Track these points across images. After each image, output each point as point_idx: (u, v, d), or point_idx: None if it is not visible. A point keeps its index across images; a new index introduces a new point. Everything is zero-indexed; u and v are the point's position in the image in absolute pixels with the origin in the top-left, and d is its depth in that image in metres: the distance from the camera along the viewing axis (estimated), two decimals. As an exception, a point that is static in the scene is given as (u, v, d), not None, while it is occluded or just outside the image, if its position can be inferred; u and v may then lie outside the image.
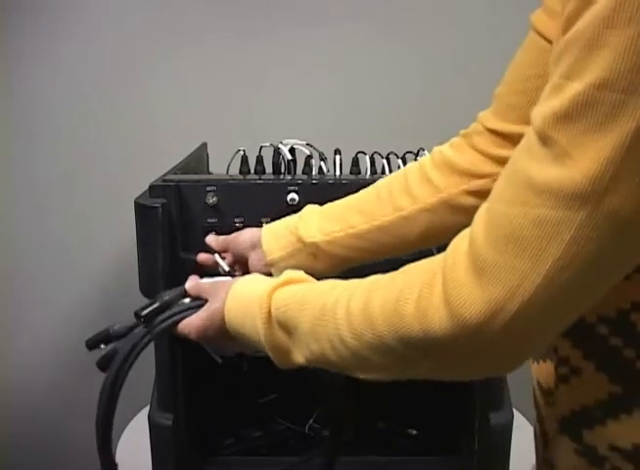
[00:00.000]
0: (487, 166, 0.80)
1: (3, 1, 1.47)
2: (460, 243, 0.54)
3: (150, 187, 1.01)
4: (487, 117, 0.81)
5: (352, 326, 0.58)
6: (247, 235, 0.89)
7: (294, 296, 0.66)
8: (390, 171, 1.16)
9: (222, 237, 0.92)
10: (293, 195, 1.00)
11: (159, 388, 1.08)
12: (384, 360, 0.59)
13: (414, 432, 1.22)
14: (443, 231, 0.82)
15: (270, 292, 0.67)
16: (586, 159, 0.45)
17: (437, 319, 0.51)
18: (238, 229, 1.00)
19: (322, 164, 1.14)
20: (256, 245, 0.87)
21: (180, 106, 1.56)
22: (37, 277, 1.63)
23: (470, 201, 0.80)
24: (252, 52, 1.54)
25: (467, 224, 0.83)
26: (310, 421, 1.23)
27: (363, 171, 1.17)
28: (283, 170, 1.15)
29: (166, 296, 0.77)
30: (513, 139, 0.77)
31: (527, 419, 1.40)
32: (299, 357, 0.65)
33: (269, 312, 0.66)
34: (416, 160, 1.19)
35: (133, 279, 1.02)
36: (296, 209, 0.99)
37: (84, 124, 1.56)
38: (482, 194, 0.77)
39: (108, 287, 1.64)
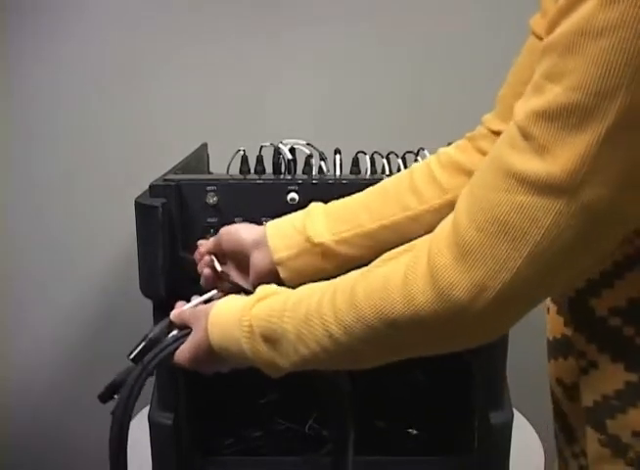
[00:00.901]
0: None
1: (3, 1, 1.47)
2: (443, 227, 0.57)
3: (150, 187, 1.01)
4: (491, 120, 0.84)
5: (341, 322, 0.61)
6: (246, 232, 0.88)
7: (273, 307, 0.68)
8: (391, 171, 1.16)
9: (212, 238, 0.91)
10: (293, 195, 1.00)
11: (159, 387, 1.09)
12: (377, 350, 0.62)
13: (414, 432, 1.22)
14: None
15: (248, 308, 0.69)
16: (563, 155, 0.49)
17: (424, 300, 0.55)
18: (238, 229, 1.01)
19: (322, 163, 1.14)
20: (260, 243, 0.86)
21: (180, 106, 1.56)
22: (37, 277, 1.63)
23: None
24: (253, 52, 1.54)
25: None
26: (310, 421, 1.23)
27: (363, 171, 1.17)
28: (283, 170, 1.15)
29: (152, 333, 0.80)
30: None
31: (527, 419, 1.40)
32: (287, 364, 0.67)
33: (251, 329, 0.68)
34: (416, 160, 1.19)
35: (133, 279, 1.02)
36: (295, 208, 0.99)
37: (84, 124, 1.56)
38: None
39: (108, 287, 1.64)
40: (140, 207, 0.99)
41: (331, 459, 0.94)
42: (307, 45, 1.55)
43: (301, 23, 1.54)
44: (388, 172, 1.16)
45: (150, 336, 0.80)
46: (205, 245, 0.91)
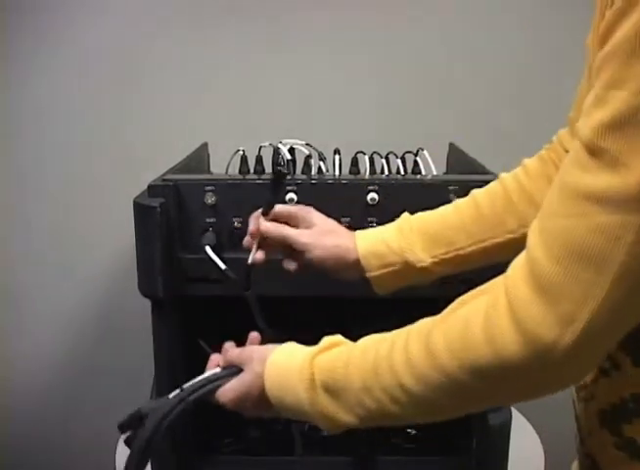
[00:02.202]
0: None
1: (3, 1, 1.47)
2: (517, 264, 0.54)
3: (148, 187, 1.01)
4: (566, 139, 0.82)
5: (415, 371, 0.58)
6: (332, 242, 0.85)
7: (337, 358, 0.66)
8: (390, 171, 1.16)
9: (283, 232, 0.86)
10: (291, 195, 1.00)
11: (158, 387, 1.09)
12: (452, 399, 0.59)
13: (413, 432, 1.22)
14: None
15: (311, 358, 0.67)
16: (638, 164, 0.47)
17: (509, 340, 0.52)
18: (237, 229, 1.01)
19: (321, 163, 1.14)
20: (351, 263, 0.84)
21: (180, 106, 1.56)
22: (36, 277, 1.63)
23: None
24: (252, 52, 1.54)
25: None
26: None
27: (362, 171, 1.17)
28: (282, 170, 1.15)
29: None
30: None
31: (528, 419, 1.40)
32: (349, 418, 0.64)
33: (312, 379, 0.65)
34: (416, 160, 1.19)
35: (132, 279, 1.02)
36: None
37: (84, 124, 1.56)
38: None
39: (107, 287, 1.65)
40: (138, 207, 0.99)
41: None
42: (307, 45, 1.55)
43: (301, 24, 1.54)
44: (387, 172, 1.15)
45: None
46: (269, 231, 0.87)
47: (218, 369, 0.78)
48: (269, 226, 0.86)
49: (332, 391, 0.64)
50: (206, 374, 0.77)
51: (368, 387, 0.61)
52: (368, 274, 0.85)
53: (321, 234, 0.86)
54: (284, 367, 0.69)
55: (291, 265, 0.88)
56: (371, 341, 0.65)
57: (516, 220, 0.82)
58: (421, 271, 0.83)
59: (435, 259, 0.83)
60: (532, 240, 0.54)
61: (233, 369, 0.76)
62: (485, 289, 0.58)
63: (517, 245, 0.81)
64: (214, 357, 0.81)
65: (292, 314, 1.12)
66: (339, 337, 0.70)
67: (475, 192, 0.88)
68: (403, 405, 0.60)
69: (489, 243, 0.83)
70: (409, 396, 0.59)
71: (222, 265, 0.94)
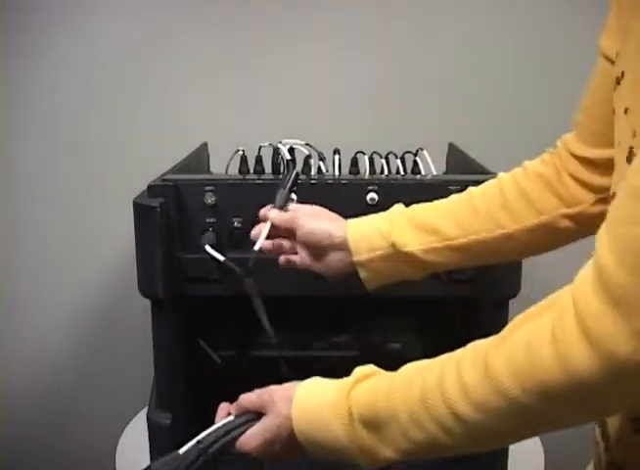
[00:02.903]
0: (583, 193, 0.80)
1: (3, 1, 1.48)
2: (585, 275, 0.51)
3: (148, 187, 1.01)
4: (574, 144, 0.81)
5: (472, 398, 0.55)
6: (325, 229, 0.86)
7: (376, 390, 0.62)
8: (390, 171, 1.16)
9: (284, 219, 0.89)
10: (292, 195, 1.00)
11: (157, 387, 1.09)
12: (515, 426, 0.55)
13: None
14: (537, 249, 0.85)
15: (346, 391, 0.63)
16: None
17: (581, 358, 0.48)
18: (236, 229, 1.01)
19: (321, 163, 1.14)
20: (338, 243, 0.85)
21: (180, 106, 1.56)
22: (36, 277, 1.63)
23: (567, 225, 0.81)
24: (252, 52, 1.54)
25: (558, 245, 0.84)
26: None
27: (362, 171, 1.17)
28: (282, 170, 1.15)
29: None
30: (600, 164, 0.77)
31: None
32: (390, 452, 0.61)
33: (350, 413, 0.62)
34: (415, 160, 1.19)
35: (132, 279, 1.02)
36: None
37: (84, 123, 1.56)
38: (580, 219, 0.80)
39: (107, 287, 1.65)
40: (138, 207, 0.99)
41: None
42: (307, 45, 1.55)
43: (300, 24, 1.54)
44: (387, 172, 1.16)
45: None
46: (276, 219, 0.89)
47: (231, 417, 0.73)
48: (278, 214, 0.89)
49: (372, 424, 0.61)
50: (221, 423, 0.73)
51: (416, 418, 0.58)
52: (356, 258, 0.84)
53: (318, 213, 0.88)
54: (315, 404, 0.65)
55: (287, 260, 0.89)
56: (414, 369, 0.62)
57: (509, 217, 0.82)
58: (409, 258, 0.83)
59: (424, 247, 0.82)
60: (601, 249, 0.50)
61: (250, 416, 0.71)
62: (547, 305, 0.54)
63: (509, 242, 0.82)
64: (224, 406, 0.77)
65: (292, 314, 1.12)
66: (371, 367, 0.66)
67: (471, 188, 0.88)
68: (456, 435, 0.57)
69: (481, 237, 0.82)
70: (464, 425, 0.56)
71: (221, 257, 0.94)
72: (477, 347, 0.58)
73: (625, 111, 0.61)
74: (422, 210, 0.86)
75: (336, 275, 0.88)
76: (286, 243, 0.90)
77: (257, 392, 0.72)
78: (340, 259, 0.86)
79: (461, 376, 0.56)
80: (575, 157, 0.80)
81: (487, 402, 0.54)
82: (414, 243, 0.82)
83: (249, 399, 0.72)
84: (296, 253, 0.90)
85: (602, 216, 0.75)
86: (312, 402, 0.66)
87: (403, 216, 0.85)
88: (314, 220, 0.88)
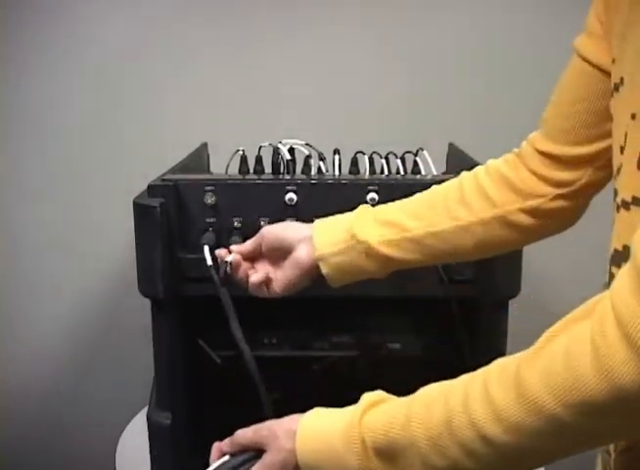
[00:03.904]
0: (541, 187, 0.80)
1: (3, 0, 1.48)
2: (622, 278, 0.48)
3: (148, 187, 1.01)
4: (539, 141, 0.81)
5: (503, 419, 0.51)
6: (292, 231, 0.87)
7: (391, 416, 0.58)
8: (390, 171, 1.16)
9: (249, 241, 0.89)
10: (291, 195, 1.00)
11: (157, 387, 1.09)
12: (552, 445, 0.52)
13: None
14: (495, 245, 0.84)
15: (357, 418, 0.59)
16: None
17: (626, 368, 0.45)
18: (236, 229, 1.01)
19: (321, 163, 1.14)
20: (305, 239, 0.85)
21: (180, 106, 1.56)
22: (36, 277, 1.63)
23: (523, 219, 0.81)
24: (252, 52, 1.54)
25: (518, 241, 0.84)
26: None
27: (362, 171, 1.17)
28: (282, 170, 1.15)
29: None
30: (565, 161, 0.78)
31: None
32: None
33: (362, 441, 0.58)
34: (415, 160, 1.19)
35: (132, 279, 1.02)
36: (294, 209, 1.00)
37: (83, 123, 1.56)
38: (537, 213, 0.80)
39: (107, 287, 1.65)
40: (138, 207, 0.99)
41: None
42: (306, 46, 1.55)
43: (300, 24, 1.54)
44: (387, 172, 1.16)
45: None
46: (241, 248, 0.89)
47: (227, 457, 0.68)
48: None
49: (386, 453, 0.58)
50: (217, 464, 0.68)
51: (439, 444, 0.55)
52: (317, 252, 0.84)
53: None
54: (323, 433, 0.61)
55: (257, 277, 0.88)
56: (434, 393, 0.58)
57: (464, 210, 0.82)
58: (368, 251, 0.82)
59: (382, 238, 0.82)
60: (639, 251, 0.48)
61: (248, 454, 0.66)
62: (583, 313, 0.51)
63: (464, 234, 0.82)
64: (217, 445, 0.72)
65: (292, 314, 1.12)
66: (380, 393, 0.63)
67: (435, 186, 0.89)
68: (480, 458, 0.53)
69: (436, 229, 0.82)
70: (492, 447, 0.52)
71: (209, 261, 0.93)
72: (503, 364, 0.55)
73: (633, 117, 0.60)
74: (387, 207, 0.87)
75: (302, 277, 0.86)
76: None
77: (254, 427, 0.68)
78: (306, 253, 0.84)
79: (489, 396, 0.52)
80: (541, 153, 0.80)
81: (521, 423, 0.50)
82: (374, 235, 0.82)
83: (245, 434, 0.68)
84: (266, 280, 0.88)
85: (561, 212, 0.75)
86: (320, 432, 0.62)
87: (368, 213, 0.86)
88: (279, 225, 0.90)
